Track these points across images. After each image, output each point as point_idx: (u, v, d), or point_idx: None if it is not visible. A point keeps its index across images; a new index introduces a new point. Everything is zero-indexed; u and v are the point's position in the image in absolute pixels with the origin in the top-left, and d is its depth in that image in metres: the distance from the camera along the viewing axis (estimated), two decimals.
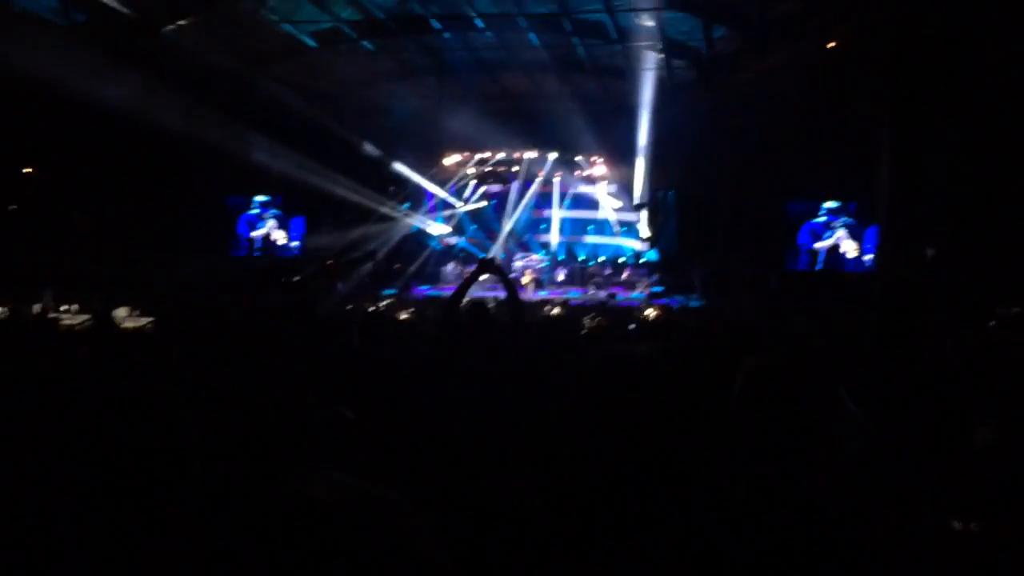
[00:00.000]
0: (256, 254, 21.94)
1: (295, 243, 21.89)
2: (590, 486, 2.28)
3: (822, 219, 19.21)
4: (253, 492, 0.87)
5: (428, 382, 3.57)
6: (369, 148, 20.02)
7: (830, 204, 19.03)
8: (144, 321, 11.45)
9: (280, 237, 21.74)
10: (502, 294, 17.79)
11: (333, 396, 2.95)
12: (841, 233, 19.01)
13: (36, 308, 10.36)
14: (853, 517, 2.05)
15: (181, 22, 14.46)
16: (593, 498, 2.22)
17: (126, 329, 10.41)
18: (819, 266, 19.19)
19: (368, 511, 0.85)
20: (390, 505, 0.89)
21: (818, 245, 19.26)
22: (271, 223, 21.90)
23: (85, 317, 11.00)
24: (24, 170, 18.53)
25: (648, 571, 1.80)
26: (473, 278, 4.19)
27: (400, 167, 21.35)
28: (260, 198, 21.71)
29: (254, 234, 22.20)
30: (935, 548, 1.94)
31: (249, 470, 2.34)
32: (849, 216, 18.88)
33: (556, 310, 16.76)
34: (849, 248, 18.91)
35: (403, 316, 14.81)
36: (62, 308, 11.56)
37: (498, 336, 3.83)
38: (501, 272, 4.13)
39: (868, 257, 18.44)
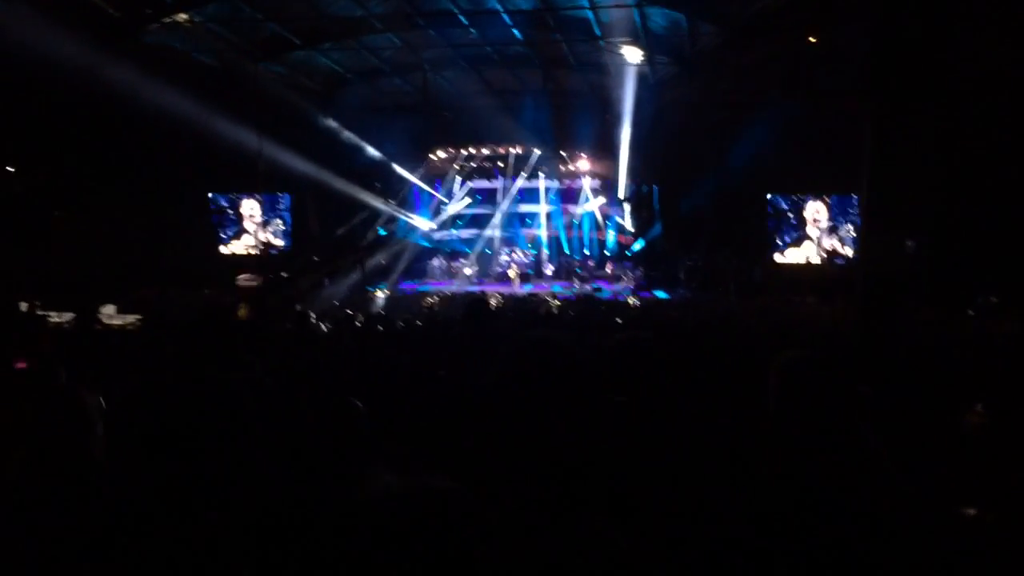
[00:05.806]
0: (242, 250, 21.87)
1: (281, 240, 21.84)
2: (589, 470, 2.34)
3: (803, 212, 19.38)
4: (304, 496, 0.87)
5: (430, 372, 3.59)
6: (357, 145, 19.96)
7: (811, 197, 19.20)
8: (131, 318, 11.46)
9: (266, 233, 21.69)
10: (490, 288, 17.77)
11: (335, 389, 2.99)
12: (822, 226, 19.19)
13: (23, 306, 10.32)
14: (879, 509, 2.05)
15: (167, 19, 14.39)
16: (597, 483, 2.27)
17: (112, 326, 10.41)
18: (800, 259, 19.38)
19: (432, 503, 0.87)
20: (451, 495, 0.91)
21: (799, 238, 19.44)
22: (257, 219, 21.83)
23: (71, 315, 10.96)
24: (4, 168, 18.34)
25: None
26: None
27: (387, 163, 21.34)
28: (246, 194, 21.63)
29: (241, 229, 22.13)
30: (950, 537, 1.96)
31: (270, 470, 2.33)
32: (830, 209, 19.06)
33: (544, 307, 16.89)
34: (830, 241, 19.09)
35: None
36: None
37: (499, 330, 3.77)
38: None
39: (849, 250, 18.62)
